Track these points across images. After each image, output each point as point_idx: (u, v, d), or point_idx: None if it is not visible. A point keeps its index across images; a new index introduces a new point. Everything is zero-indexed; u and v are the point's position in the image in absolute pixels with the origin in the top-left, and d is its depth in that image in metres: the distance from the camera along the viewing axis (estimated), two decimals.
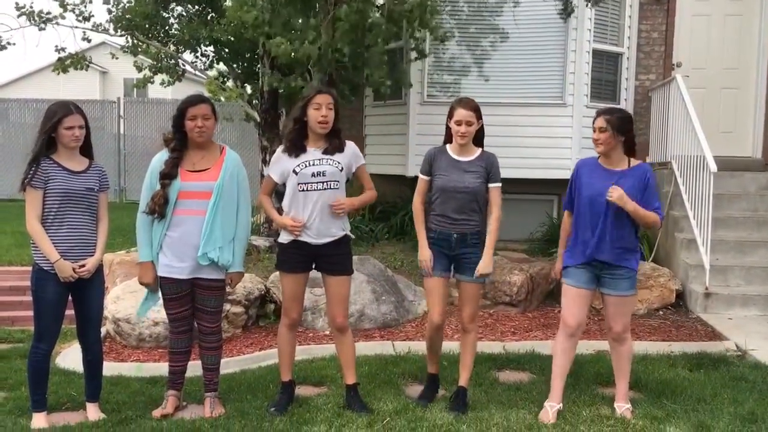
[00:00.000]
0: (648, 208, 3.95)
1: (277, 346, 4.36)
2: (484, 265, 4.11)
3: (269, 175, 4.20)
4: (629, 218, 3.95)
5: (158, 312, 4.68)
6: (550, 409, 4.06)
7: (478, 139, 4.21)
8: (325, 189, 4.04)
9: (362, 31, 6.72)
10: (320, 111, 4.01)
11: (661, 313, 6.56)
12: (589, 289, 4.07)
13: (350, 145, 4.20)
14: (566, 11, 7.82)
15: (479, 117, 4.13)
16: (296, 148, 4.08)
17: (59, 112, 3.90)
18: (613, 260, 3.97)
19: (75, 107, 3.96)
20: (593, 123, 4.05)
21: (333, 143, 4.12)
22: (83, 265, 3.95)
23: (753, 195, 7.59)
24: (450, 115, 4.14)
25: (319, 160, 4.05)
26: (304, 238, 4.05)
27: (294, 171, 4.03)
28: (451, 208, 4.11)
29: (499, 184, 4.17)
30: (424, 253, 4.16)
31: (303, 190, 4.03)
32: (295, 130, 4.10)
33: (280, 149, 4.16)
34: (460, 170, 4.12)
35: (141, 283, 4.15)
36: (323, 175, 4.03)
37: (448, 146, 4.22)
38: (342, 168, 4.10)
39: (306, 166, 4.03)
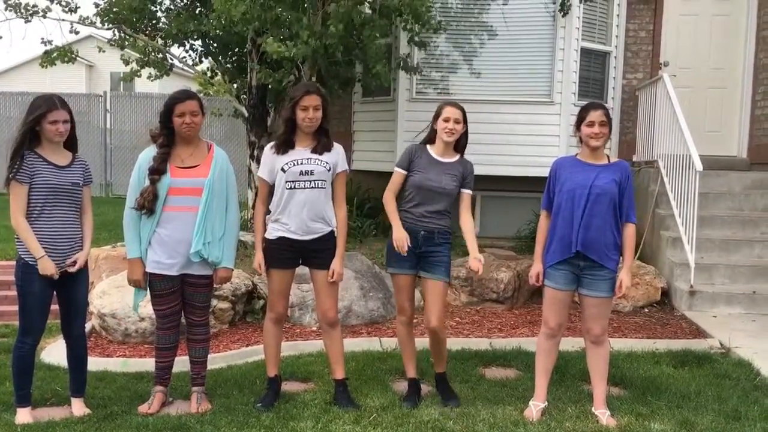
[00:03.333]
0: (624, 214, 3.97)
1: (263, 341, 4.36)
2: (473, 255, 4.07)
3: (261, 178, 4.17)
4: (612, 211, 3.94)
5: (144, 307, 4.65)
6: (535, 408, 4.08)
7: (461, 146, 4.25)
8: (313, 188, 4.05)
9: (356, 27, 6.71)
10: (307, 113, 4.02)
11: (646, 310, 6.62)
12: (570, 291, 4.06)
13: (338, 148, 4.21)
14: (564, 8, 7.82)
15: (465, 121, 4.17)
16: (285, 145, 4.09)
17: (43, 106, 3.85)
18: (597, 258, 3.93)
19: (60, 101, 3.91)
20: (589, 117, 3.97)
21: (322, 142, 4.13)
22: (74, 261, 3.93)
23: (738, 194, 7.66)
24: (437, 115, 4.18)
25: (308, 159, 4.07)
26: (290, 234, 4.06)
27: (282, 169, 4.04)
28: (423, 207, 4.14)
29: (471, 192, 4.24)
30: (401, 233, 4.09)
31: (291, 188, 4.04)
32: (287, 131, 4.11)
33: (268, 149, 4.15)
34: (439, 171, 4.15)
35: (130, 280, 4.11)
36: (311, 174, 4.04)
37: (428, 146, 4.25)
38: (330, 168, 4.12)
39: (294, 165, 4.04)
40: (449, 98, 7.94)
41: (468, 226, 4.21)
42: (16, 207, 3.83)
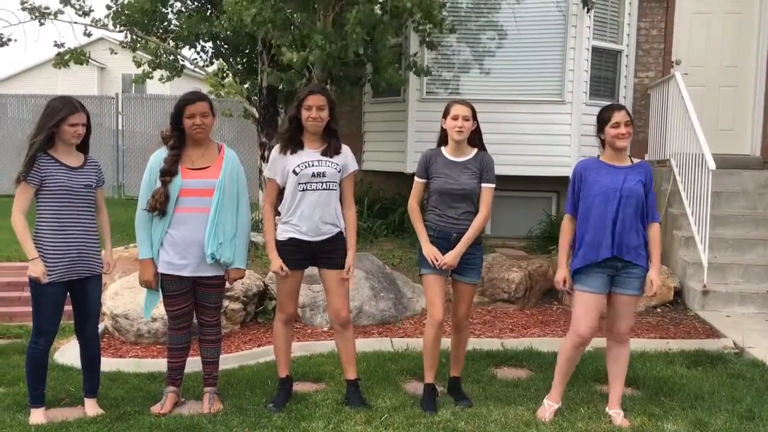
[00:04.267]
0: (650, 214, 3.99)
1: (273, 342, 4.37)
2: (450, 258, 4.06)
3: (271, 178, 4.16)
4: (639, 212, 3.95)
5: (157, 308, 4.67)
6: (548, 407, 4.06)
7: (475, 140, 4.22)
8: (324, 189, 4.07)
9: (368, 29, 6.72)
10: (311, 112, 4.03)
11: (659, 310, 6.58)
12: (604, 294, 4.00)
13: (347, 150, 4.22)
14: (587, 3, 7.70)
15: (475, 117, 4.15)
16: (294, 144, 4.10)
17: (65, 109, 3.87)
18: (633, 258, 3.93)
19: (80, 105, 3.95)
20: (614, 118, 3.96)
21: (332, 144, 4.14)
22: (108, 264, 4.14)
23: (751, 193, 7.60)
24: (445, 114, 4.15)
25: (319, 161, 4.08)
26: (301, 236, 4.07)
27: (294, 171, 4.05)
28: (449, 209, 4.11)
29: (492, 186, 4.15)
30: (430, 249, 4.10)
31: (303, 190, 4.05)
32: (291, 129, 4.12)
33: (276, 150, 4.16)
34: (455, 171, 4.12)
35: (141, 281, 4.14)
36: (323, 176, 4.06)
37: (442, 148, 4.23)
38: (340, 169, 4.13)
39: (306, 167, 4.05)
40: (460, 98, 7.94)
41: (475, 222, 4.10)
42: (19, 206, 3.85)
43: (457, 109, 4.10)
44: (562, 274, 4.09)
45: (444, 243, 4.12)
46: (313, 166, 4.06)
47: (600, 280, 3.97)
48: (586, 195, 4.00)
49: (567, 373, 4.11)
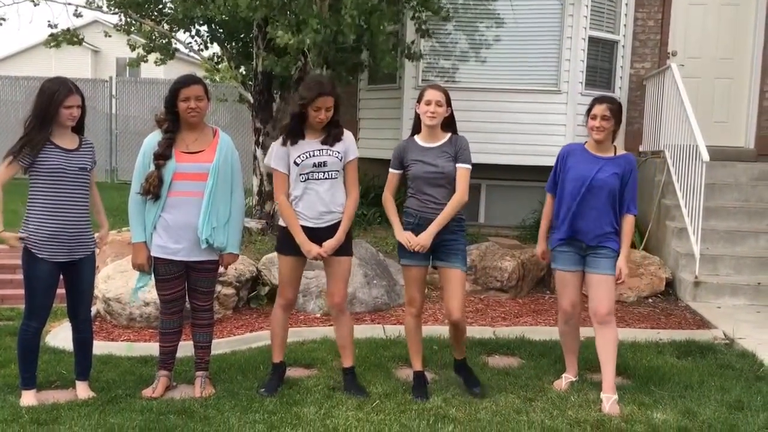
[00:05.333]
0: (625, 206, 4.10)
1: (269, 327, 4.37)
2: (423, 239, 3.99)
3: (277, 170, 4.09)
4: (610, 202, 4.06)
5: (149, 292, 4.68)
6: (565, 380, 4.36)
7: (450, 125, 4.17)
8: (326, 179, 4.06)
9: (365, 14, 6.69)
10: (320, 113, 3.98)
11: (650, 300, 6.61)
12: (578, 271, 4.19)
13: (348, 135, 4.19)
14: None
15: (449, 104, 4.10)
16: (294, 135, 4.06)
17: (61, 90, 3.85)
18: (596, 243, 4.09)
19: (75, 86, 3.93)
20: (593, 110, 4.09)
21: (332, 133, 4.10)
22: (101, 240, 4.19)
23: (744, 185, 7.62)
24: (419, 99, 4.10)
25: (319, 150, 4.05)
26: (304, 222, 4.05)
27: (295, 162, 4.03)
28: (429, 195, 4.06)
29: (467, 166, 4.06)
30: (402, 235, 4.07)
31: (305, 180, 4.04)
32: (294, 125, 4.08)
33: (278, 143, 4.12)
34: (431, 156, 4.07)
35: (134, 265, 4.13)
36: (324, 166, 4.04)
37: (416, 137, 4.19)
38: (341, 157, 4.10)
39: (307, 157, 4.03)
40: (456, 86, 7.92)
41: (449, 205, 4.01)
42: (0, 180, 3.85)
43: (430, 94, 4.05)
44: (541, 248, 4.38)
45: (424, 231, 4.07)
46: (313, 156, 4.03)
47: (570, 258, 4.18)
48: (562, 179, 4.19)
49: (571, 348, 4.38)
